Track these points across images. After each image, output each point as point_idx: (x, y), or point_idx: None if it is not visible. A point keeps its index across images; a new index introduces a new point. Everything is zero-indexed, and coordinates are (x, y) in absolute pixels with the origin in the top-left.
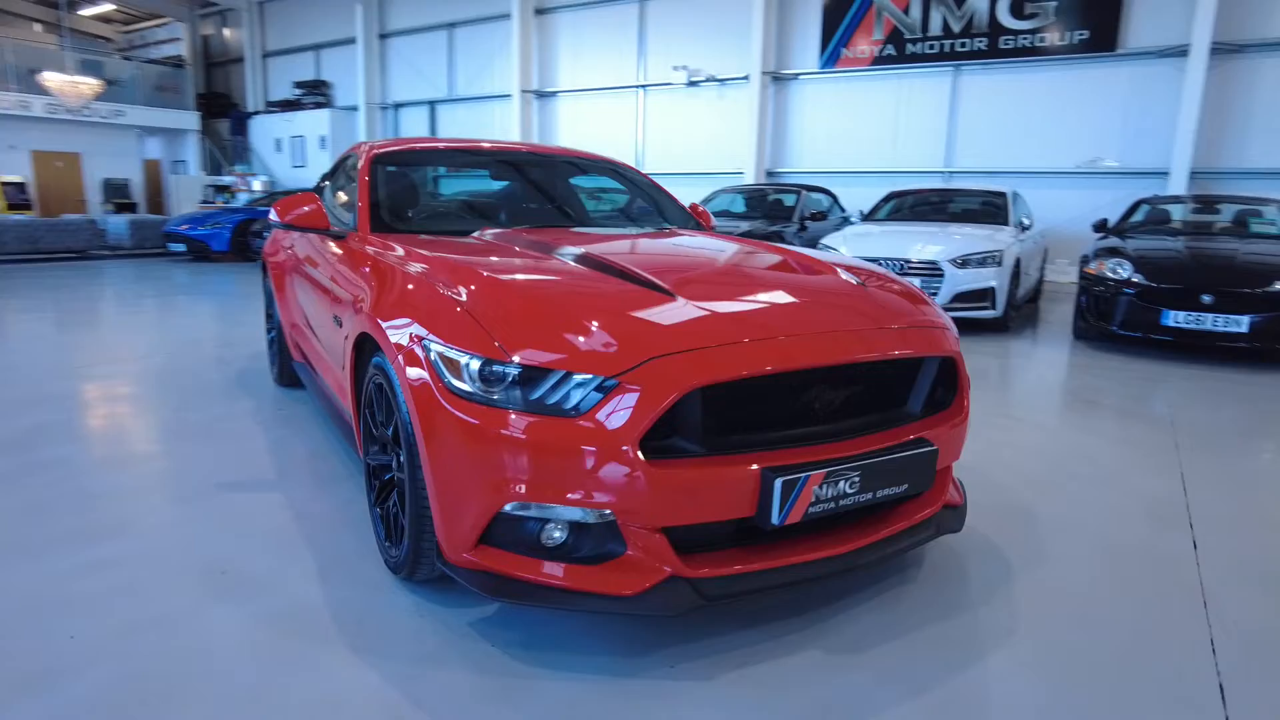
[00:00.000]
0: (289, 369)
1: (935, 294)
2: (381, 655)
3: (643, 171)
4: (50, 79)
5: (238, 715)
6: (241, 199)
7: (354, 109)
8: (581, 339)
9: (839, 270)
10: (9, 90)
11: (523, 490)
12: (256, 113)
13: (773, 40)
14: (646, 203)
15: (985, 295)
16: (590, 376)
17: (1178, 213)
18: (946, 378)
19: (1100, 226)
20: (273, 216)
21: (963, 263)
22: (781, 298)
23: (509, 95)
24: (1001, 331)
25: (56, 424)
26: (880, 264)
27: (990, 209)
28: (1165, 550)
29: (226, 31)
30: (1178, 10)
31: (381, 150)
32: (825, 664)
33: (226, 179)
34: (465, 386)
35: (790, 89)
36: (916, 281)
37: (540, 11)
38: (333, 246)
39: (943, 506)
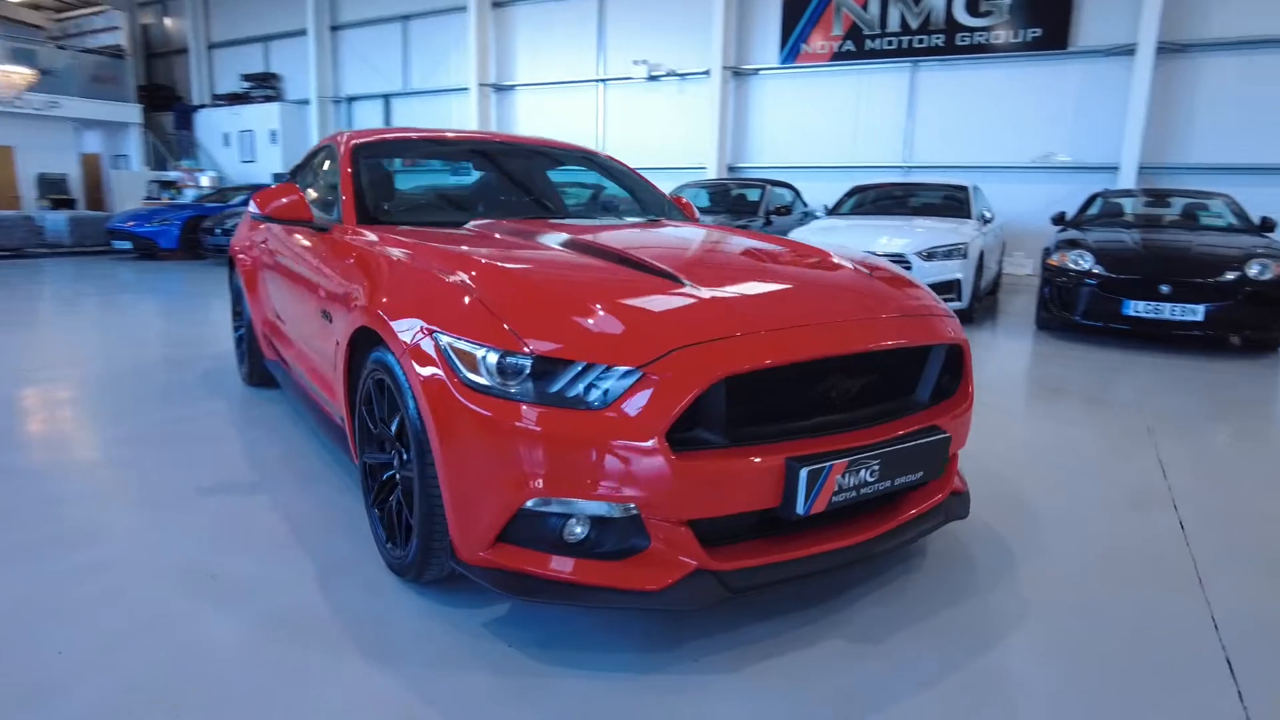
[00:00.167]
0: (260, 368)
1: None
2: (395, 659)
3: (625, 164)
4: None
5: None
6: (189, 195)
7: (305, 103)
8: (602, 329)
9: (843, 260)
10: None
11: (545, 486)
12: (202, 106)
13: (733, 35)
14: (631, 194)
15: (951, 287)
16: (614, 368)
17: (1130, 206)
18: (950, 366)
19: (1059, 219)
20: (252, 209)
21: (929, 255)
22: (795, 287)
23: (466, 89)
24: (966, 323)
25: (5, 429)
26: None
27: (952, 203)
28: (1155, 532)
29: (168, 21)
30: (1125, 10)
31: (363, 140)
32: (845, 653)
33: (172, 174)
34: (482, 380)
35: (751, 84)
36: None
37: (497, 4)
38: (315, 240)
39: (950, 494)
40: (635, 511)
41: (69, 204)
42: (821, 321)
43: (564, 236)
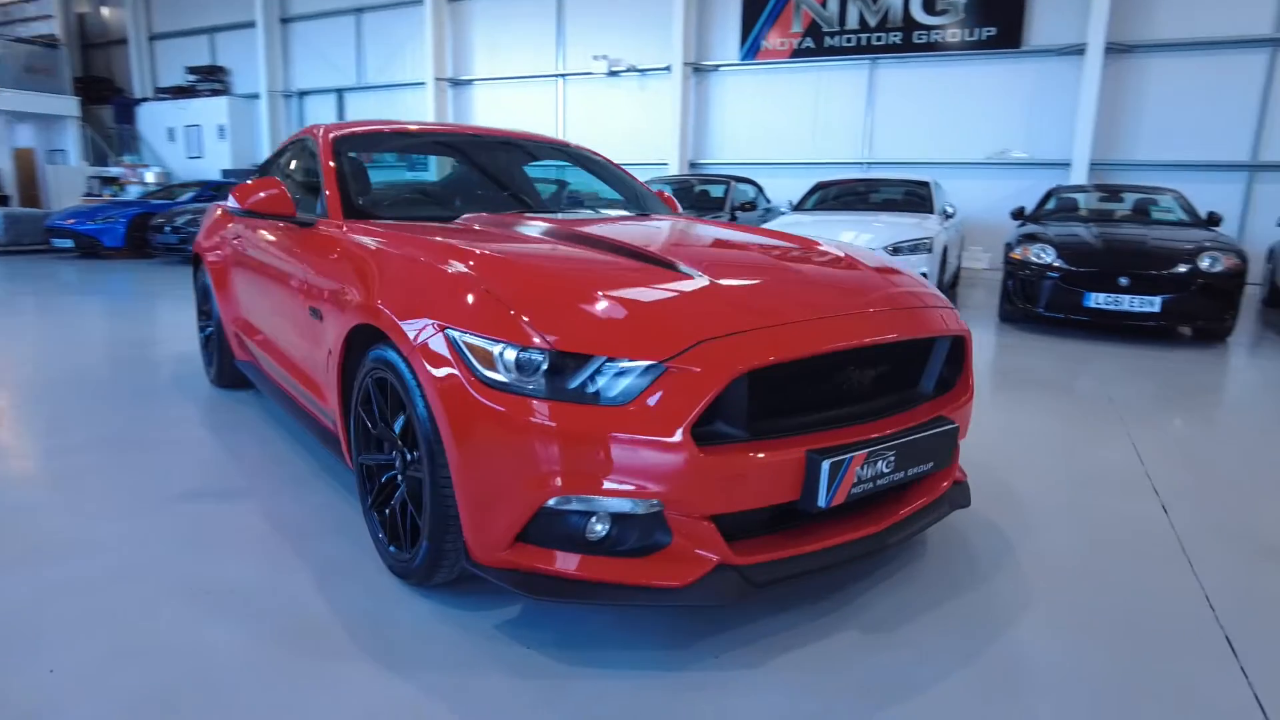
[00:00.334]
0: (230, 369)
1: None
2: (410, 664)
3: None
4: None
5: None
6: (133, 191)
7: (255, 97)
8: (622, 323)
9: (846, 253)
10: None
11: (566, 483)
12: (145, 99)
13: (693, 31)
14: (617, 188)
15: None
16: (637, 362)
17: (1085, 201)
18: (951, 357)
19: (1018, 214)
20: (231, 203)
21: (894, 250)
22: (807, 279)
23: (423, 83)
24: None
25: None
26: None
27: (914, 198)
28: (1140, 516)
29: (105, 11)
30: (1075, 11)
31: (344, 133)
32: (863, 644)
33: (114, 170)
34: (499, 377)
35: (711, 80)
36: None
37: None
38: (298, 235)
39: (953, 483)
40: (659, 507)
41: (2, 200)
42: (840, 313)
43: (564, 230)
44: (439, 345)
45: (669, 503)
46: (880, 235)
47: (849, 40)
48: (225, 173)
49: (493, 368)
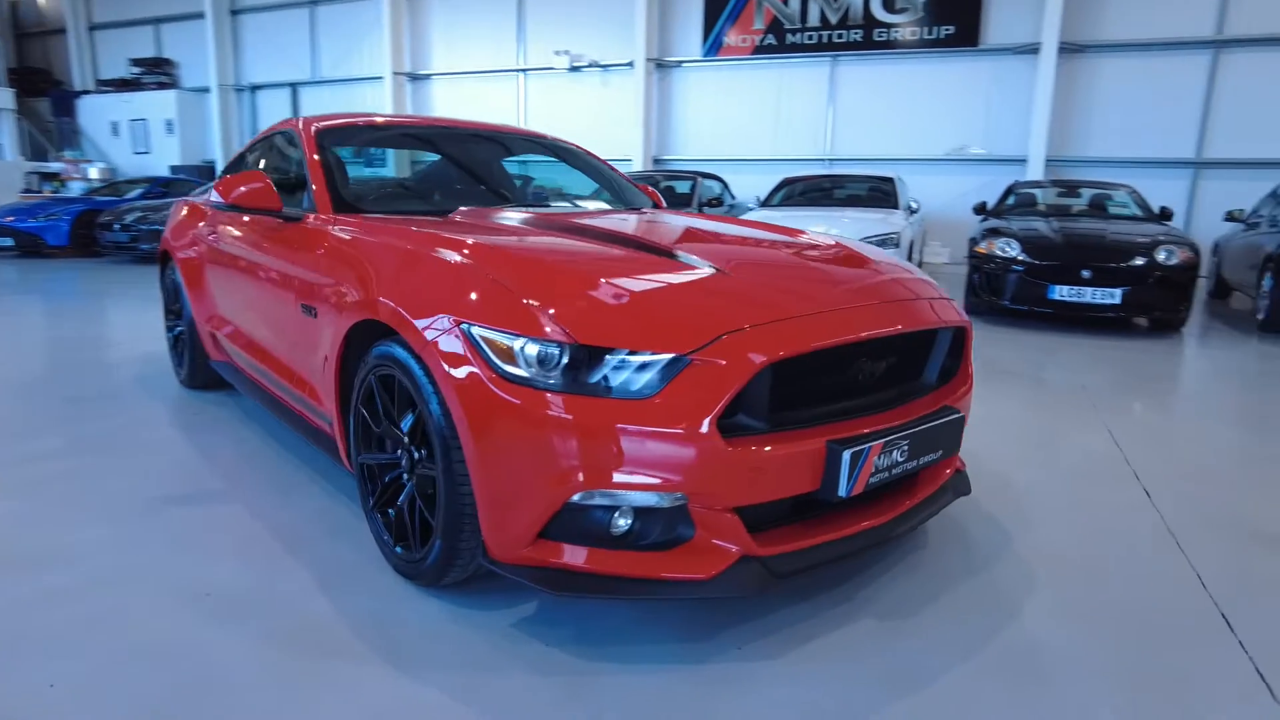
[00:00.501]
0: (203, 369)
1: None
2: (429, 666)
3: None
4: None
5: None
6: (76, 188)
7: (205, 90)
8: (643, 316)
9: (848, 246)
10: None
11: (590, 478)
12: (85, 92)
13: (656, 27)
14: (606, 183)
15: None
16: (660, 355)
17: (1043, 197)
18: (950, 348)
19: (980, 209)
20: (214, 196)
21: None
22: (816, 271)
23: (380, 77)
24: None
25: None
26: None
27: (879, 194)
28: (1126, 501)
29: None
30: (1029, 11)
31: (328, 125)
32: (880, 632)
33: (55, 165)
34: (520, 372)
35: (674, 76)
36: None
37: None
38: (285, 230)
39: (955, 471)
40: (683, 501)
41: None
42: (855, 305)
43: (567, 224)
44: (455, 341)
45: (694, 495)
46: (848, 230)
47: (810, 37)
48: (174, 169)
49: (513, 363)
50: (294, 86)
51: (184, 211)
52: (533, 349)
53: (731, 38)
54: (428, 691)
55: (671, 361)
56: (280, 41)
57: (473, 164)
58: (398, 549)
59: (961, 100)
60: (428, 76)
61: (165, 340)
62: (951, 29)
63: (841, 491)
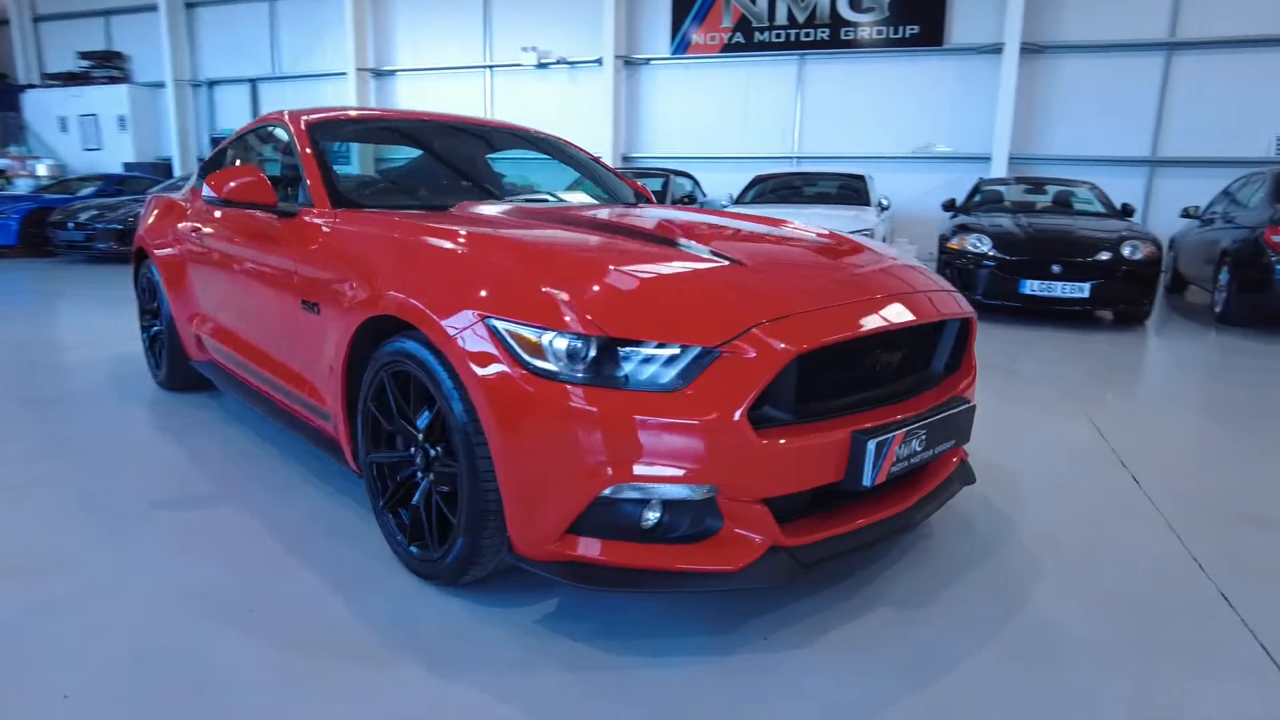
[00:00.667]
0: (183, 370)
1: None
2: (457, 666)
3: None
4: None
5: None
6: (23, 185)
7: (160, 85)
8: (670, 308)
9: (852, 241)
10: None
11: (620, 472)
12: (31, 86)
13: (624, 24)
14: (598, 180)
15: None
16: (690, 347)
17: (1009, 194)
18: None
19: (949, 206)
20: (206, 191)
21: None
22: (831, 264)
23: (344, 74)
24: None
25: None
26: None
27: (850, 191)
28: (1116, 488)
29: None
30: (992, 11)
31: (318, 119)
32: (897, 620)
33: (1, 162)
34: (548, 366)
35: (642, 74)
36: None
37: None
38: (281, 225)
39: (960, 461)
40: (713, 493)
41: None
42: (874, 296)
43: (576, 217)
44: (479, 335)
45: (724, 487)
46: (824, 227)
47: (778, 36)
48: (128, 166)
49: (540, 357)
50: (254, 82)
51: (159, 207)
52: (561, 342)
53: (699, 36)
54: (463, 691)
55: (701, 354)
56: (239, 36)
57: (467, 158)
58: (412, 548)
59: (927, 99)
60: (392, 73)
61: (138, 341)
62: (916, 28)
63: (866, 480)
